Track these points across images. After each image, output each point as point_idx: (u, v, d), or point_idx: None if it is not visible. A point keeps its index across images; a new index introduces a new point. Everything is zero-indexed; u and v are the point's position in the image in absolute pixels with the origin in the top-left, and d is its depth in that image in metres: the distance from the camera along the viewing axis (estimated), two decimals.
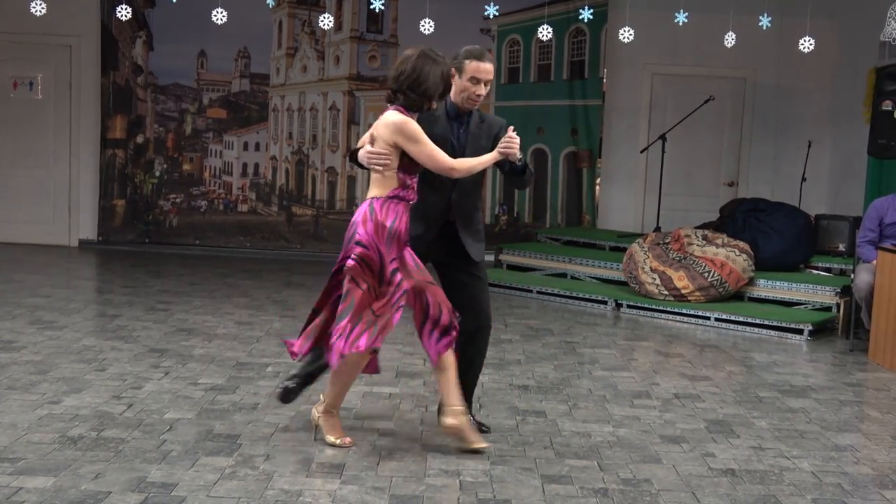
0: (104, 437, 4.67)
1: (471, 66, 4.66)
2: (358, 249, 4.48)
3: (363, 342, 4.46)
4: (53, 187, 11.52)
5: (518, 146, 4.59)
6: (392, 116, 4.54)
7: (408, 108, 4.56)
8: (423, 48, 4.60)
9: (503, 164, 4.74)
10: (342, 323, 4.47)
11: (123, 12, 8.65)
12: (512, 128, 4.68)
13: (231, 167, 11.82)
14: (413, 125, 4.50)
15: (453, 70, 4.67)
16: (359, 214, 4.54)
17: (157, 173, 11.72)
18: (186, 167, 11.81)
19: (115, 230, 11.63)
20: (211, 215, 11.80)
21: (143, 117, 11.66)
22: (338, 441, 4.67)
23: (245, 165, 11.83)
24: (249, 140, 11.83)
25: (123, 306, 8.02)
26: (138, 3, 11.18)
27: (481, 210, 5.11)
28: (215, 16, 8.20)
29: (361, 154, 4.59)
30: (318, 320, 4.76)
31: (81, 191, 11.55)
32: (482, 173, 4.86)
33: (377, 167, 4.53)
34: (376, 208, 4.51)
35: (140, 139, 11.66)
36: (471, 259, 4.86)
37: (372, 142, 4.58)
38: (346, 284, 4.53)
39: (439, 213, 4.81)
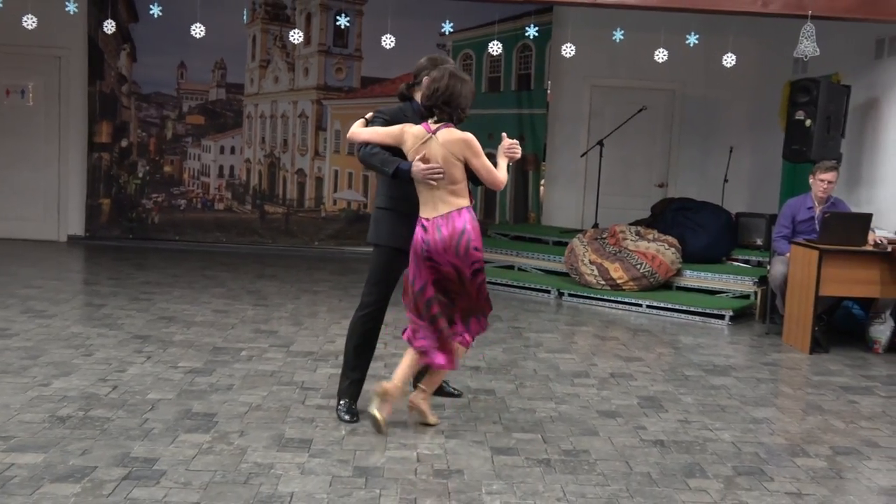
0: (91, 417, 4.62)
1: None
2: (480, 255, 4.56)
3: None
4: (44, 187, 11.33)
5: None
6: (457, 133, 4.54)
7: (453, 123, 4.59)
8: (449, 68, 4.61)
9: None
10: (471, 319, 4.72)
11: (109, 26, 8.52)
12: (505, 134, 4.80)
13: (209, 169, 11.70)
14: (476, 141, 4.59)
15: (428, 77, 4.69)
16: (463, 223, 4.48)
17: (141, 175, 11.58)
18: (167, 169, 11.67)
19: (101, 227, 11.47)
20: (190, 213, 11.68)
21: (128, 123, 11.50)
22: (434, 420, 4.76)
23: (221, 167, 11.72)
24: (226, 144, 11.71)
25: (109, 296, 7.92)
26: (123, 18, 11.04)
27: None
28: (194, 30, 8.10)
29: (416, 170, 4.46)
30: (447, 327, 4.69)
31: (70, 190, 11.38)
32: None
33: (433, 181, 4.47)
34: (473, 216, 4.58)
35: (124, 143, 11.51)
36: None
37: (424, 159, 4.49)
38: (480, 284, 4.62)
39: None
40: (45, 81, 11.21)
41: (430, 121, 4.58)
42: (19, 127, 11.18)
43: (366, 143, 4.62)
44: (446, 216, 4.50)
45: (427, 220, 4.53)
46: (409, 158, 4.54)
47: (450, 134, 4.53)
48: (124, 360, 5.75)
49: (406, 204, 4.63)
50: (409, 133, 4.57)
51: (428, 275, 4.54)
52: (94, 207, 11.43)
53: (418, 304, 4.59)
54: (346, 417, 4.73)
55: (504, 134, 4.79)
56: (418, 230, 4.55)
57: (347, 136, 4.68)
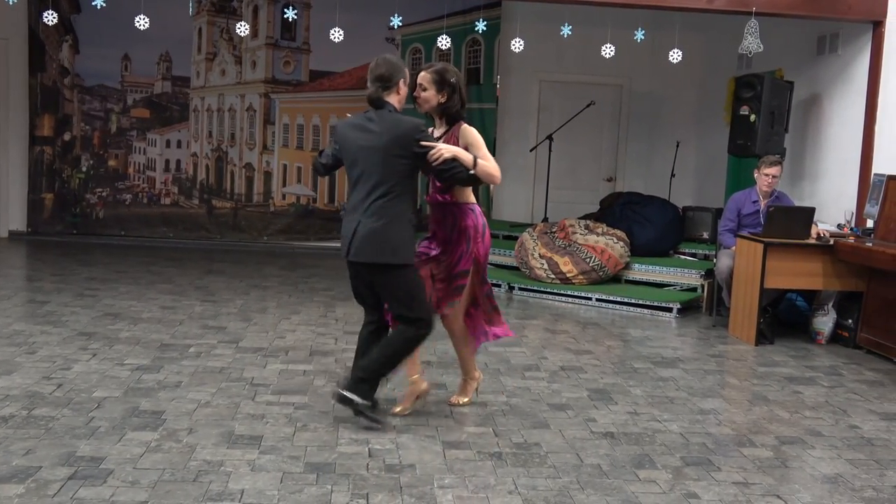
0: (35, 416, 4.52)
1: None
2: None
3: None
4: None
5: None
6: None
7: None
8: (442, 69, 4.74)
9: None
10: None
11: (50, 17, 8.34)
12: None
13: (154, 163, 11.53)
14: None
15: (402, 81, 4.61)
16: (473, 220, 4.76)
17: (84, 169, 11.36)
18: (112, 163, 11.47)
19: (44, 222, 11.24)
20: (136, 208, 11.50)
21: (70, 116, 11.28)
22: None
23: (168, 161, 11.55)
24: (172, 138, 11.55)
25: (52, 293, 7.76)
26: (65, 9, 10.82)
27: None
28: (138, 22, 7.96)
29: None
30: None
31: (11, 185, 11.13)
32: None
33: None
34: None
35: (67, 137, 11.29)
36: None
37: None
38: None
39: None
40: None
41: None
42: None
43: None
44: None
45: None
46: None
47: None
48: (69, 358, 5.64)
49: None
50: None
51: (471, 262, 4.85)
52: (37, 202, 11.20)
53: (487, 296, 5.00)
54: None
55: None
56: (482, 218, 4.83)
57: (499, 175, 4.63)
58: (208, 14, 11.32)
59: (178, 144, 11.55)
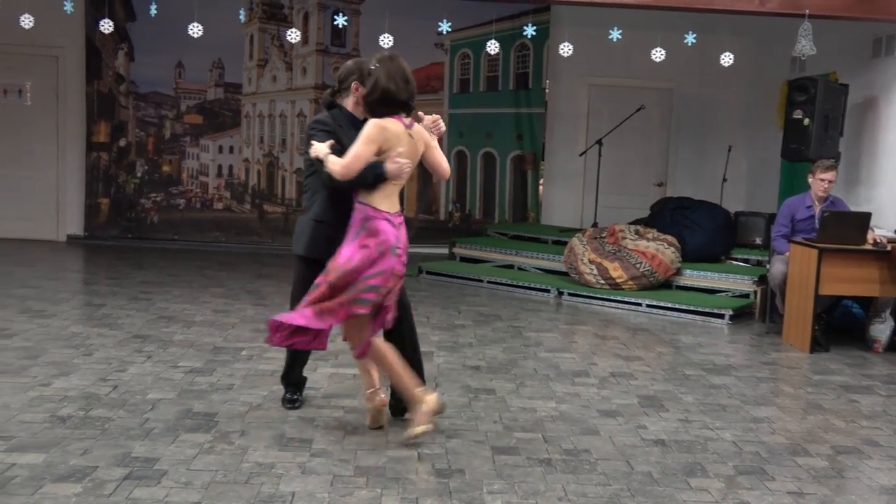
0: (91, 417, 4.60)
1: None
2: None
3: None
4: (43, 187, 11.30)
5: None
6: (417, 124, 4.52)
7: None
8: (378, 60, 4.37)
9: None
10: None
11: (106, 26, 8.50)
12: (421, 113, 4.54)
13: (207, 168, 11.68)
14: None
15: (356, 82, 4.51)
16: (357, 219, 4.32)
17: (139, 174, 11.56)
18: (166, 168, 11.65)
19: (100, 226, 11.45)
20: (189, 212, 11.66)
21: (126, 123, 11.48)
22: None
23: (220, 167, 11.70)
24: (224, 144, 11.70)
25: (108, 296, 7.90)
26: (120, 17, 11.01)
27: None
28: (191, 30, 8.08)
29: (395, 168, 4.25)
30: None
31: (69, 190, 11.36)
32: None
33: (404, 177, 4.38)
34: None
35: (122, 143, 11.49)
36: None
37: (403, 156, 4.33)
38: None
39: None
40: (42, 81, 11.18)
41: (402, 116, 4.34)
42: (17, 127, 11.15)
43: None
44: (400, 213, 4.45)
45: (393, 215, 4.33)
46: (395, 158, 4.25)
47: (417, 126, 4.46)
48: (124, 360, 5.73)
49: (344, 216, 4.41)
50: (393, 134, 4.26)
51: (386, 278, 4.30)
52: (93, 207, 11.41)
53: (353, 294, 4.25)
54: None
55: (421, 112, 4.57)
56: (387, 226, 4.26)
57: (340, 175, 4.22)
58: (259, 21, 11.45)
59: (230, 150, 11.69)
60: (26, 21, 8.12)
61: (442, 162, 4.58)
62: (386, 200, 4.33)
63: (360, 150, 4.20)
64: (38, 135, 11.22)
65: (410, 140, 4.35)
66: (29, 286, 8.12)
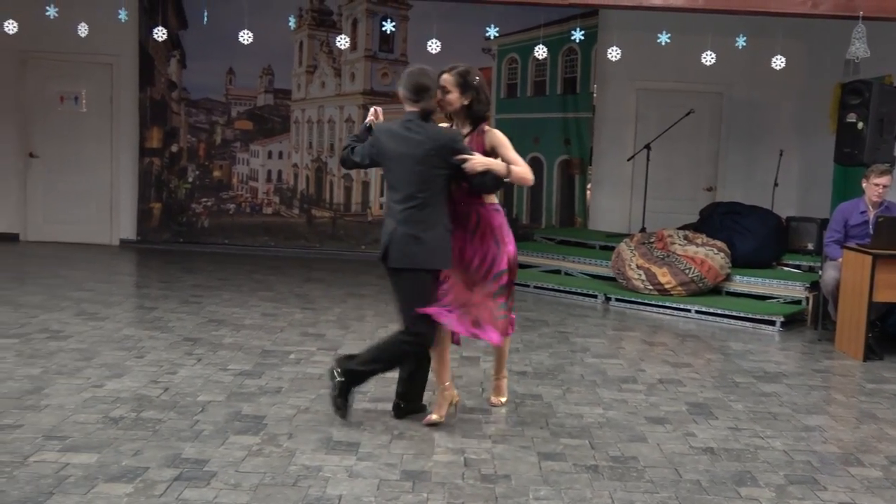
0: (143, 418, 4.68)
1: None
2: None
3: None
4: (96, 192, 11.52)
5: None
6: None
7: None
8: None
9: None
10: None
11: (159, 33, 8.63)
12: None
13: (257, 174, 11.81)
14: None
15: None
16: (500, 220, 4.81)
17: (190, 179, 11.72)
18: (216, 174, 11.80)
19: (152, 230, 11.63)
20: (238, 217, 11.80)
21: (177, 129, 11.66)
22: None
23: (269, 172, 11.82)
24: (273, 149, 11.82)
25: (160, 299, 8.02)
26: (172, 25, 11.19)
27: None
28: (242, 37, 8.18)
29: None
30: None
31: (122, 195, 11.56)
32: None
33: None
34: None
35: (174, 148, 11.66)
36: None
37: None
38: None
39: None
40: (97, 88, 11.40)
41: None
42: (72, 132, 11.38)
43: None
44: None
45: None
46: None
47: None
48: (175, 363, 5.82)
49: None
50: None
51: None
52: (145, 212, 11.60)
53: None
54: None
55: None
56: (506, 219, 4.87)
57: (530, 179, 4.70)
58: (309, 28, 11.56)
59: (280, 155, 11.81)
60: (82, 29, 8.29)
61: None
62: None
63: (514, 152, 4.70)
64: (92, 141, 11.44)
65: None
66: (84, 289, 8.27)
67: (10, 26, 8.33)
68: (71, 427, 4.47)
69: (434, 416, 4.78)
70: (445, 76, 4.74)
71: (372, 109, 4.99)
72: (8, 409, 4.70)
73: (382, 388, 5.44)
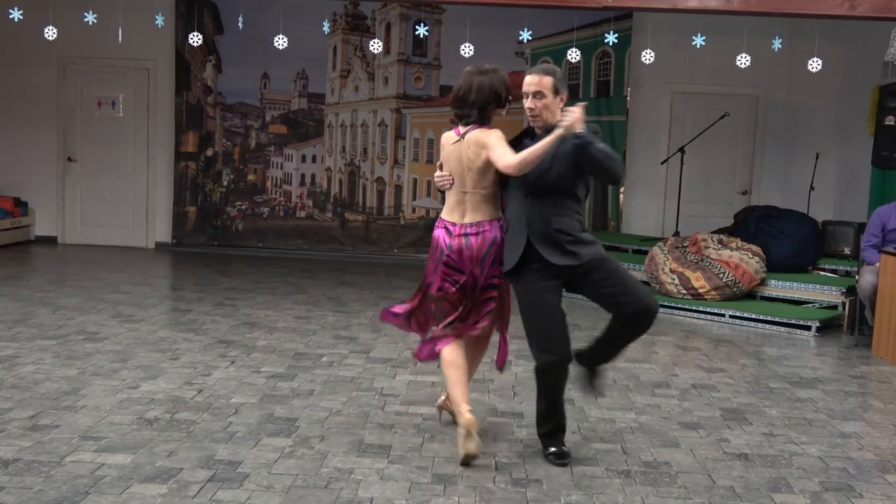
0: (177, 419, 4.72)
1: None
2: (499, 270, 4.40)
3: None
4: (133, 195, 11.66)
5: (577, 116, 4.00)
6: (479, 132, 4.36)
7: (482, 123, 4.40)
8: (470, 67, 4.47)
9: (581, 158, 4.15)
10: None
11: (195, 39, 8.74)
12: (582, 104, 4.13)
13: (291, 177, 11.89)
14: (495, 134, 4.31)
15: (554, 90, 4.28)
16: (493, 235, 4.35)
17: (225, 183, 11.83)
18: (251, 177, 11.90)
19: (187, 234, 11.75)
20: (272, 220, 11.88)
21: (213, 133, 11.77)
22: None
23: (303, 176, 11.90)
24: (307, 153, 11.89)
25: (194, 302, 8.10)
26: (208, 31, 11.30)
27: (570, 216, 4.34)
28: (277, 42, 8.26)
29: (434, 177, 4.54)
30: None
31: (158, 198, 11.69)
32: (569, 180, 4.26)
33: (443, 188, 4.53)
34: (502, 230, 4.41)
35: (210, 152, 11.77)
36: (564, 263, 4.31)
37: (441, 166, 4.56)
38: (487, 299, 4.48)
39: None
40: (134, 93, 11.55)
41: (460, 125, 4.48)
42: (110, 137, 11.54)
43: (508, 165, 4.18)
44: (477, 224, 4.38)
45: (453, 224, 4.43)
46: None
47: (475, 135, 4.36)
48: (209, 365, 5.87)
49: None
50: (444, 139, 4.58)
51: (440, 280, 4.43)
52: (181, 215, 11.72)
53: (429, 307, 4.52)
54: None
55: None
56: (442, 233, 4.45)
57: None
58: (342, 32, 11.62)
59: (313, 159, 11.88)
60: (119, 34, 8.40)
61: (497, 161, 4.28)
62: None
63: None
64: (129, 145, 11.59)
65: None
66: (120, 291, 8.38)
67: (50, 32, 8.47)
68: (106, 428, 4.53)
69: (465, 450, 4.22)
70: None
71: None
72: (46, 410, 4.77)
73: (414, 391, 5.46)
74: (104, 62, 11.30)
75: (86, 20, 8.55)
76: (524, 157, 4.09)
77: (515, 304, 4.41)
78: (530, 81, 4.26)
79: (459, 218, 4.43)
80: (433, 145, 11.58)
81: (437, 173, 4.53)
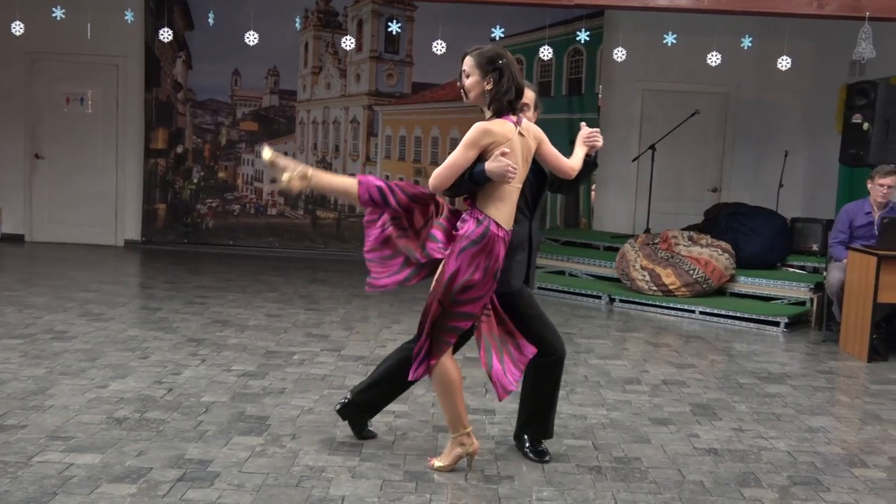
0: (147, 419, 4.69)
1: None
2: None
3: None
4: (102, 193, 11.55)
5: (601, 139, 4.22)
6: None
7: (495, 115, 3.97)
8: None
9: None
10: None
11: (165, 34, 8.66)
12: (584, 123, 4.39)
13: (262, 175, 11.83)
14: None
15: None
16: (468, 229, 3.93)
17: (195, 180, 11.75)
18: (221, 175, 11.83)
19: (157, 231, 11.66)
20: (243, 218, 11.82)
21: (183, 130, 11.69)
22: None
23: None
24: (278, 150, 11.77)
25: (164, 300, 8.04)
26: (179, 26, 11.22)
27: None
28: (248, 38, 8.20)
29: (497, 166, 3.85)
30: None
31: (127, 196, 11.59)
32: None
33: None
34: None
35: (180, 149, 11.69)
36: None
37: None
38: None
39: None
40: (103, 89, 11.44)
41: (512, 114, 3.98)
42: (78, 134, 11.42)
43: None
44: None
45: (506, 233, 3.98)
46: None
47: (528, 125, 4.04)
48: (179, 363, 5.83)
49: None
50: (498, 132, 3.89)
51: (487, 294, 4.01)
52: (151, 212, 11.63)
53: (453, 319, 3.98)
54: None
55: (583, 123, 4.44)
56: (502, 246, 3.93)
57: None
58: (314, 29, 11.57)
59: (285, 156, 11.81)
60: (87, 30, 8.31)
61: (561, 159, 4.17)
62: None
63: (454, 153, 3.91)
64: (98, 142, 11.48)
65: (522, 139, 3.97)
66: (88, 290, 8.30)
67: (17, 28, 8.36)
68: (75, 427, 4.49)
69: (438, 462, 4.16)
70: (466, 58, 4.02)
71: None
72: (12, 410, 4.72)
73: None
74: (73, 58, 11.18)
75: (54, 15, 8.45)
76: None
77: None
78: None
79: (507, 225, 3.98)
80: (405, 142, 11.57)
81: (507, 161, 3.86)
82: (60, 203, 11.48)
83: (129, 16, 8.85)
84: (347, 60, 11.65)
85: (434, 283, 3.98)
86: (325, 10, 11.55)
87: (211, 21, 8.93)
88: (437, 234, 3.99)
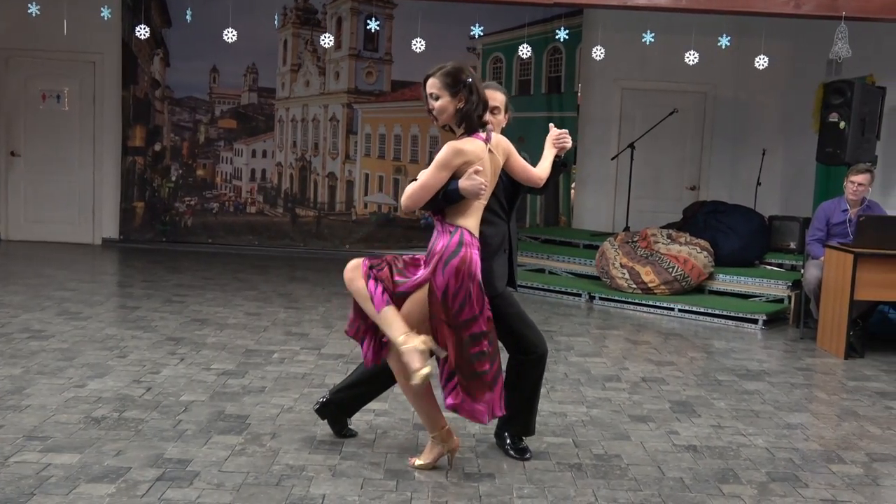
0: (125, 418, 4.65)
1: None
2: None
3: None
4: (79, 191, 11.46)
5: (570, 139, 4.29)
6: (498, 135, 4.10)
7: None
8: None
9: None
10: None
11: (142, 32, 8.60)
12: (552, 124, 4.40)
13: (241, 172, 11.78)
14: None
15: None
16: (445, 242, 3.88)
17: (174, 178, 11.68)
18: (200, 172, 11.76)
19: (135, 230, 11.58)
20: (222, 216, 11.76)
21: (161, 127, 11.61)
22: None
23: (253, 171, 11.79)
24: (257, 148, 11.79)
25: (143, 299, 7.99)
26: (156, 23, 11.14)
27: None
28: (226, 35, 8.15)
29: (469, 184, 3.82)
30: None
31: (104, 194, 11.50)
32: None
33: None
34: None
35: (158, 147, 11.62)
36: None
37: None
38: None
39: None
40: (80, 86, 11.34)
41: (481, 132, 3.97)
42: (55, 131, 11.32)
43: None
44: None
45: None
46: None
47: (498, 139, 4.05)
48: (158, 362, 5.79)
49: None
50: (470, 151, 3.87)
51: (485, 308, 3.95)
52: (128, 211, 11.55)
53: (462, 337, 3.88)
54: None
55: (552, 125, 4.44)
56: (477, 256, 3.90)
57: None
58: (293, 26, 11.53)
59: (264, 154, 11.79)
60: (64, 26, 8.24)
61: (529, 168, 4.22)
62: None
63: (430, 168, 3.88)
64: (75, 139, 11.38)
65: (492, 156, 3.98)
66: (66, 289, 8.23)
67: None
68: (52, 427, 4.45)
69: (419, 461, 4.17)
70: (430, 80, 3.90)
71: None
72: None
73: None
74: (49, 55, 11.07)
75: (29, 11, 8.36)
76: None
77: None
78: (493, 97, 4.21)
79: (476, 232, 3.97)
80: (385, 140, 11.55)
81: (480, 179, 3.84)
82: (37, 201, 11.37)
83: (105, 12, 8.77)
84: (326, 58, 11.62)
85: (430, 306, 3.88)
86: (304, 7, 11.51)
87: (189, 18, 8.87)
88: (401, 276, 3.95)
